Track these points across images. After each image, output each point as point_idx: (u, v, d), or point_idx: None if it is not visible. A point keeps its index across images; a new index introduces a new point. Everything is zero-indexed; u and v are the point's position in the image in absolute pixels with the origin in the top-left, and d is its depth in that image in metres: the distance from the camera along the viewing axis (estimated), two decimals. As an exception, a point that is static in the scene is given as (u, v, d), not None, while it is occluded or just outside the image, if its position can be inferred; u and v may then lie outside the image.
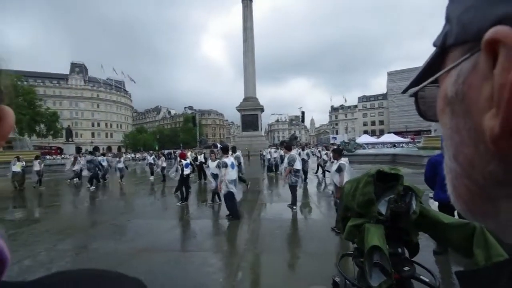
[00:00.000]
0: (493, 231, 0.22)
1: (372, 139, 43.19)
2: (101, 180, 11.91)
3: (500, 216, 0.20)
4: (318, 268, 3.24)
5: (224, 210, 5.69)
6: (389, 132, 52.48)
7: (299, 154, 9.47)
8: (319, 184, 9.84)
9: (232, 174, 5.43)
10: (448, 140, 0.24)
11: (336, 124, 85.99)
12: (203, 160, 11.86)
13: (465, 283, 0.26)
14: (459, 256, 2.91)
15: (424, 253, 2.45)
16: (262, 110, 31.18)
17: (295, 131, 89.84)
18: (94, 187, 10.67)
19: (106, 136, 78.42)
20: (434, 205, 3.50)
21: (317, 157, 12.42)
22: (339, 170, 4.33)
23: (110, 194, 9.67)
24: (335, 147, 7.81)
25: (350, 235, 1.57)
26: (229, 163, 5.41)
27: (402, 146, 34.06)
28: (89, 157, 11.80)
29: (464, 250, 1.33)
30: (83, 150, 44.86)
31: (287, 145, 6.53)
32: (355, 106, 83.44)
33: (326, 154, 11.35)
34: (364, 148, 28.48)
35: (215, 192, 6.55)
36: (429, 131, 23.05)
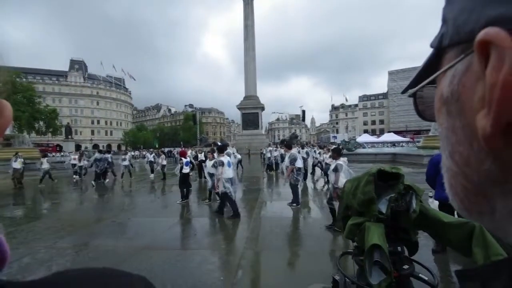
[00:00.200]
0: (490, 229, 0.22)
1: (372, 138, 43.24)
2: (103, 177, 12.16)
3: (496, 214, 0.21)
4: (318, 267, 3.26)
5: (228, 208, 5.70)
6: (389, 132, 52.51)
7: (298, 153, 9.45)
8: (318, 182, 9.85)
9: (229, 172, 5.46)
10: (444, 140, 0.24)
11: (337, 123, 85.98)
12: (204, 159, 11.86)
13: (465, 282, 0.26)
14: (457, 255, 2.94)
15: (423, 252, 2.47)
16: (262, 108, 31.16)
17: (295, 130, 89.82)
18: (102, 181, 11.33)
19: (106, 134, 78.32)
20: (433, 204, 3.52)
21: (313, 157, 11.92)
22: (336, 170, 4.39)
23: (110, 192, 9.68)
24: (334, 146, 7.81)
25: (350, 234, 1.57)
26: (225, 161, 5.45)
27: (402, 146, 34.10)
28: (98, 154, 12.13)
29: (463, 249, 1.34)
30: (82, 148, 44.88)
31: (288, 144, 6.53)
32: (356, 105, 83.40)
33: (319, 153, 11.09)
34: (364, 147, 28.52)
35: (211, 191, 6.62)
36: (429, 130, 23.07)
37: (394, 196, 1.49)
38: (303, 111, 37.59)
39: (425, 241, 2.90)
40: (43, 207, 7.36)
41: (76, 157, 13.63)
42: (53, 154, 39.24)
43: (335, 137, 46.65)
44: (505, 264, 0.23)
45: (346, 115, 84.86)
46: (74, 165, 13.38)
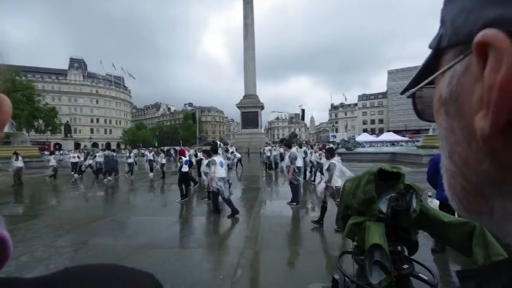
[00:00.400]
0: (489, 229, 0.23)
1: (372, 138, 43.29)
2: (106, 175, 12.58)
3: (495, 214, 0.21)
4: (318, 266, 3.27)
5: (223, 207, 5.71)
6: (388, 131, 52.56)
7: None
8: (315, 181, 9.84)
9: (221, 172, 5.55)
10: (443, 140, 0.24)
11: (336, 122, 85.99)
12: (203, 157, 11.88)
13: (466, 282, 0.26)
14: (457, 255, 2.94)
15: (423, 251, 2.47)
16: (262, 107, 31.14)
17: (295, 129, 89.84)
18: (111, 178, 11.77)
19: (105, 132, 78.15)
20: (433, 203, 3.52)
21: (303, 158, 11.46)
22: (328, 169, 4.51)
23: (109, 190, 9.67)
24: (327, 146, 7.82)
25: (351, 233, 1.57)
26: (217, 161, 5.55)
27: (401, 145, 34.15)
28: (106, 152, 12.79)
29: (463, 248, 1.34)
30: (81, 146, 44.80)
31: (288, 143, 6.52)
32: (355, 105, 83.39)
33: (311, 153, 10.54)
34: (363, 147, 28.55)
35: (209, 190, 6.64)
36: (429, 130, 23.08)
37: (395, 196, 1.48)
38: (303, 110, 37.56)
39: (424, 241, 2.91)
40: (42, 205, 7.34)
41: (76, 155, 13.74)
42: (45, 152, 39.15)
43: (334, 136, 46.74)
44: (505, 264, 0.23)
45: (346, 114, 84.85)
46: (74, 163, 13.45)
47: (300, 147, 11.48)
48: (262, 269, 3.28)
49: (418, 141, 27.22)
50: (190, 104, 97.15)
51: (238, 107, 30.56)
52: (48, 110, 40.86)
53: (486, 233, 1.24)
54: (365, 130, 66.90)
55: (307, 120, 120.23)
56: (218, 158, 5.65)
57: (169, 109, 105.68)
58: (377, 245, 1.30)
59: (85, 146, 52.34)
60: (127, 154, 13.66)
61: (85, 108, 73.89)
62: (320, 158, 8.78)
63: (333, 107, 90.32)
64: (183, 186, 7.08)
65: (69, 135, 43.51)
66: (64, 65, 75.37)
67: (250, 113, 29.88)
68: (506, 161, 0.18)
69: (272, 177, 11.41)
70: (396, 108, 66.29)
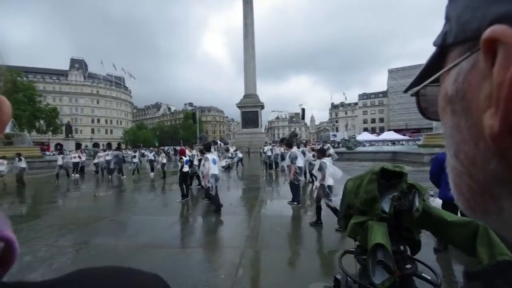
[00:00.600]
0: (495, 229, 0.22)
1: (372, 137, 43.21)
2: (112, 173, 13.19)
3: (503, 214, 0.20)
4: (319, 265, 3.26)
5: (222, 207, 5.70)
6: (389, 130, 52.47)
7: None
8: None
9: (214, 169, 5.67)
10: (449, 139, 0.24)
11: (336, 122, 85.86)
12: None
13: (472, 282, 0.25)
14: (459, 254, 2.92)
15: (425, 251, 2.45)
16: (262, 107, 31.11)
17: (295, 128, 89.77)
18: (124, 176, 12.68)
19: (106, 133, 78.27)
20: (435, 202, 3.51)
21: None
22: (320, 168, 4.57)
23: (110, 190, 9.68)
24: (319, 146, 7.84)
25: (353, 233, 1.56)
26: (210, 158, 5.69)
27: (402, 144, 34.08)
28: (116, 152, 13.81)
29: (467, 248, 1.33)
30: (82, 146, 44.86)
31: (288, 142, 6.52)
32: (356, 104, 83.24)
33: (303, 152, 10.62)
34: (364, 146, 28.51)
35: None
36: (429, 129, 23.06)
37: (397, 195, 1.47)
38: (303, 110, 37.52)
39: (426, 240, 2.89)
40: (44, 205, 7.35)
41: (76, 155, 13.89)
42: (53, 152, 39.27)
43: (335, 135, 46.61)
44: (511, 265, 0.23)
45: (346, 113, 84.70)
46: (75, 163, 13.58)
47: (298, 147, 11.42)
48: (263, 268, 3.27)
49: (419, 140, 27.17)
50: (191, 104, 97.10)
51: (238, 106, 30.54)
52: (49, 110, 40.97)
53: (490, 233, 1.23)
54: (365, 129, 66.81)
55: (307, 120, 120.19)
56: (210, 156, 5.78)
57: (169, 109, 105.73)
58: (380, 244, 1.30)
59: (86, 146, 52.37)
60: (133, 154, 14.59)
61: (86, 109, 74.02)
62: (314, 160, 8.74)
63: (334, 106, 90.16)
64: (184, 186, 7.08)
65: (70, 135, 43.57)
66: (65, 66, 75.61)
67: (250, 112, 29.86)
68: None
69: (272, 177, 11.41)
70: (397, 107, 66.14)
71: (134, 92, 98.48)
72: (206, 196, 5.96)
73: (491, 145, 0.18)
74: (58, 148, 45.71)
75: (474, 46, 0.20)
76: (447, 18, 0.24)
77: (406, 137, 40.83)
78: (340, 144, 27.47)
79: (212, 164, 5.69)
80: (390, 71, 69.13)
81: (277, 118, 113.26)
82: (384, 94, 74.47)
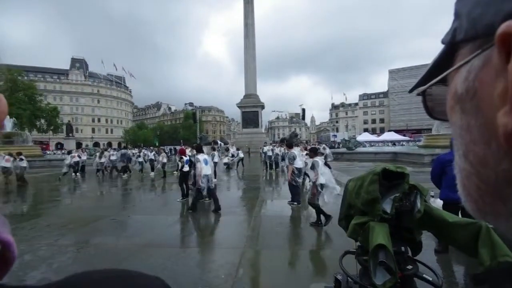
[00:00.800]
0: (505, 230, 0.22)
1: (373, 137, 43.21)
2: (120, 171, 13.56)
3: None
4: (320, 266, 3.26)
5: (223, 207, 5.70)
6: (389, 130, 52.42)
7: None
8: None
9: (206, 169, 5.68)
10: (458, 139, 0.23)
11: (337, 122, 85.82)
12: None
13: (478, 285, 0.26)
14: (460, 255, 2.92)
15: (426, 252, 2.45)
16: (262, 107, 31.12)
17: (295, 129, 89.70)
18: (126, 175, 12.84)
19: (106, 132, 78.31)
20: (435, 203, 3.50)
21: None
22: (312, 167, 4.66)
23: (111, 189, 9.69)
24: (311, 146, 7.95)
25: (354, 233, 1.56)
26: (201, 159, 5.70)
27: (402, 145, 34.05)
28: (123, 151, 14.51)
29: (468, 249, 1.32)
30: (83, 146, 44.93)
31: (288, 143, 6.52)
32: (356, 104, 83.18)
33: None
34: (364, 146, 28.50)
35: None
36: (430, 129, 22.99)
37: (399, 196, 1.47)
38: (303, 110, 37.50)
39: (427, 241, 2.89)
40: (44, 204, 7.36)
41: (76, 154, 13.95)
42: (54, 151, 39.32)
43: (335, 135, 46.58)
44: None
45: (346, 113, 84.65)
46: (76, 162, 13.59)
47: (296, 146, 11.41)
48: (263, 269, 3.27)
49: (419, 140, 27.12)
50: (191, 104, 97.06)
51: (238, 106, 30.55)
52: (50, 109, 41.00)
53: (492, 234, 1.23)
54: (366, 130, 66.77)
55: (307, 120, 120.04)
56: (202, 156, 5.80)
57: (169, 108, 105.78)
58: (381, 245, 1.29)
59: (87, 145, 52.46)
60: (137, 153, 15.15)
61: (87, 108, 74.04)
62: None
63: (334, 107, 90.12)
64: (184, 186, 7.08)
65: (70, 134, 43.56)
66: (66, 65, 75.61)
67: (251, 112, 29.87)
68: None
69: (272, 177, 11.41)
70: (397, 108, 66.07)
71: (135, 91, 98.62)
72: (213, 198, 5.93)
73: (503, 144, 0.18)
74: (59, 147, 45.76)
75: (486, 43, 0.19)
76: (457, 15, 0.23)
77: (407, 138, 40.81)
78: (341, 145, 27.45)
79: (204, 164, 5.68)
80: (391, 72, 69.08)
81: (278, 118, 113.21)
82: (385, 94, 74.42)
